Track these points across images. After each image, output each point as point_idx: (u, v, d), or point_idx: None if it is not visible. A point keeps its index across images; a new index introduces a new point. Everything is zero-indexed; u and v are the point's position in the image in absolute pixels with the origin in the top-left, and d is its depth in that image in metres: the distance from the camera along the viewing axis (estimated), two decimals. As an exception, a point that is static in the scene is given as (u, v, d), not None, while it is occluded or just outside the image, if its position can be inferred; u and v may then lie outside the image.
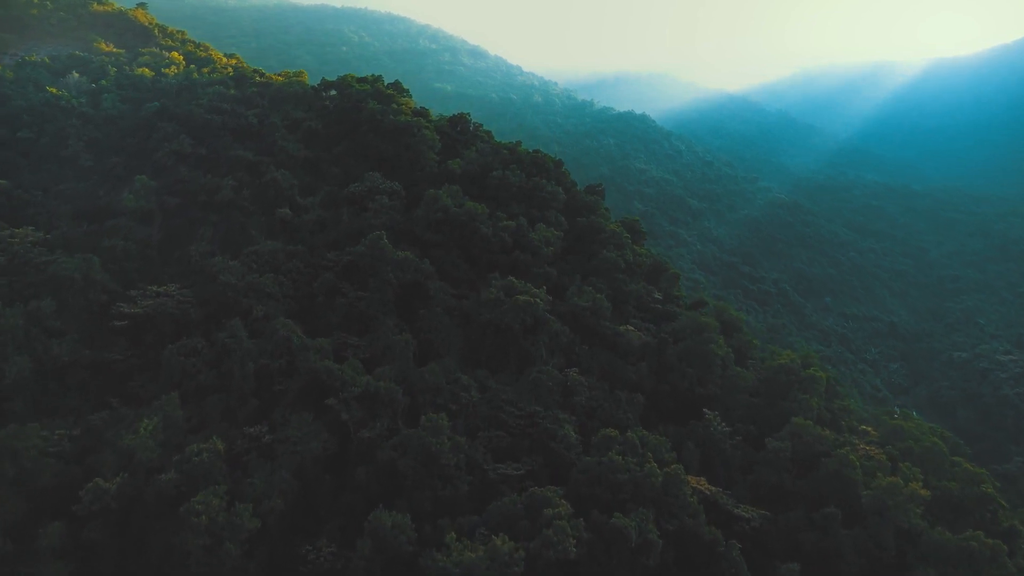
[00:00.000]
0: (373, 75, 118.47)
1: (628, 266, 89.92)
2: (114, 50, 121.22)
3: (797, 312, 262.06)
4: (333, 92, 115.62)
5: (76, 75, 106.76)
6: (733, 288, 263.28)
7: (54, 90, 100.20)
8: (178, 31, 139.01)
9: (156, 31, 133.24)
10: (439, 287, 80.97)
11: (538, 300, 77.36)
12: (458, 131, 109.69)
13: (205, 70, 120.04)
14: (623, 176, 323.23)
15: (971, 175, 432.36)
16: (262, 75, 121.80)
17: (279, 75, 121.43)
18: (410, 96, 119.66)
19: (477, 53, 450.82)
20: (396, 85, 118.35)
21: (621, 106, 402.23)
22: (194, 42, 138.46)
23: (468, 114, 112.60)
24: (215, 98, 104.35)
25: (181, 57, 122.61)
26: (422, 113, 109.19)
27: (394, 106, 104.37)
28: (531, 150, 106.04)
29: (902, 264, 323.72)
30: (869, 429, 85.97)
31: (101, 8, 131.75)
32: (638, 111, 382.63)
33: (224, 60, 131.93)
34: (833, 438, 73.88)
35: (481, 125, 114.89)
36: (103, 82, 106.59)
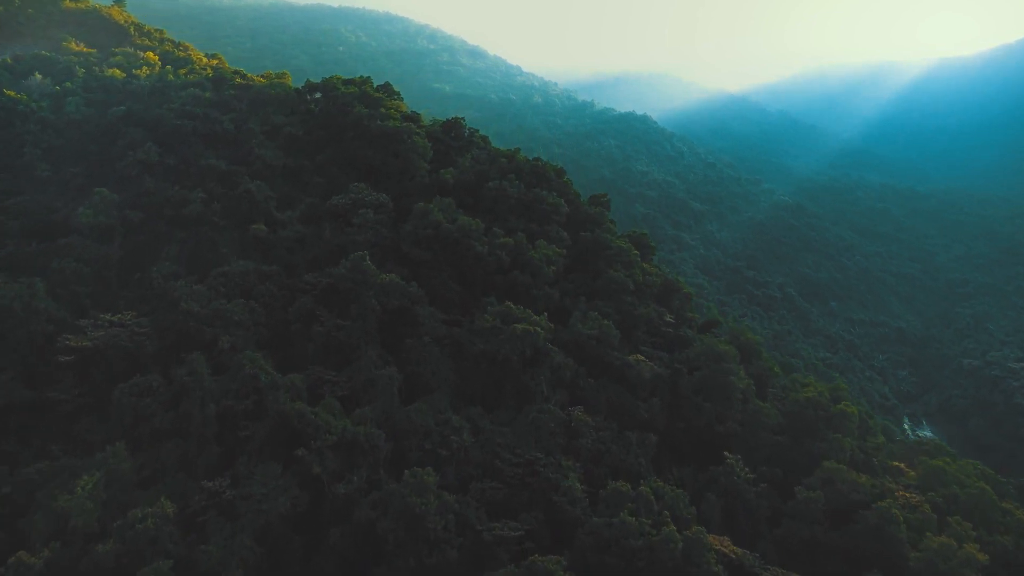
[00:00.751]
0: (361, 76, 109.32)
1: (637, 287, 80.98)
2: (84, 50, 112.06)
3: (803, 318, 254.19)
4: (318, 95, 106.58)
5: (39, 77, 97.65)
6: (737, 293, 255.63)
7: (12, 93, 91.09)
8: (156, 30, 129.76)
9: (132, 30, 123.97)
10: (428, 313, 72.05)
11: (538, 329, 68.49)
12: (452, 137, 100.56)
13: (182, 71, 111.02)
14: (624, 179, 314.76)
15: (975, 176, 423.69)
16: (243, 76, 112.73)
17: (261, 76, 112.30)
18: (401, 99, 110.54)
19: (476, 53, 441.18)
20: (386, 87, 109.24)
21: (622, 107, 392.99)
22: (173, 41, 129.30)
23: (463, 119, 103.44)
24: (188, 101, 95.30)
25: (156, 57, 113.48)
26: (413, 118, 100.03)
27: (382, 110, 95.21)
28: (531, 158, 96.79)
29: (909, 268, 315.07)
30: (904, 467, 77.18)
31: (73, 5, 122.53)
32: (639, 112, 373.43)
33: (204, 60, 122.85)
34: (870, 484, 65.08)
35: (477, 130, 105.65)
36: (68, 84, 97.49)
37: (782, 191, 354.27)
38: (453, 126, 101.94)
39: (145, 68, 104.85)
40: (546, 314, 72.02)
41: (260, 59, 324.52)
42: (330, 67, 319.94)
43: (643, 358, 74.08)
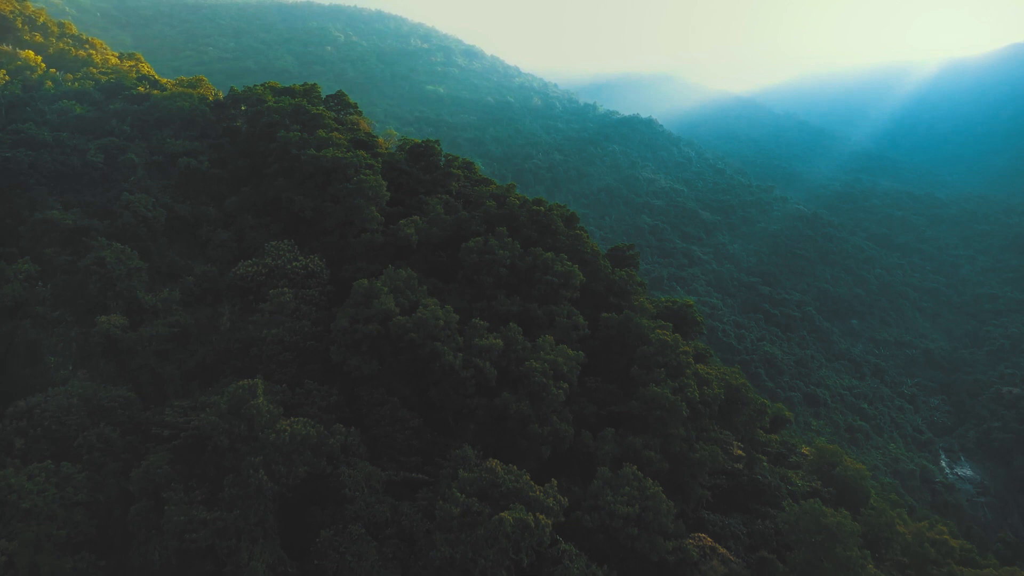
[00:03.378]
0: (305, 84, 78.94)
1: (691, 406, 51.22)
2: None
3: (824, 338, 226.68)
4: (245, 108, 76.40)
5: None
6: (753, 312, 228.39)
7: None
8: (57, 24, 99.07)
9: (20, 23, 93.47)
10: (364, 477, 42.09)
11: (543, 518, 38.72)
12: (421, 168, 70.20)
13: (70, 77, 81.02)
14: (630, 187, 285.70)
15: (991, 181, 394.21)
16: (153, 83, 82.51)
17: (173, 82, 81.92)
18: (359, 112, 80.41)
19: (472, 53, 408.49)
20: (338, 98, 78.89)
21: (624, 109, 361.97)
22: (75, 38, 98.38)
23: (437, 142, 72.70)
24: (54, 121, 65.30)
25: (39, 59, 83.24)
26: (366, 143, 69.18)
27: (321, 133, 64.85)
28: (531, 200, 65.85)
29: (932, 281, 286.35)
30: None
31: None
32: (643, 115, 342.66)
33: (113, 62, 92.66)
34: None
35: (457, 157, 75.05)
36: None
37: (795, 199, 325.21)
38: (424, 152, 71.40)
39: (3, 73, 74.38)
40: (555, 481, 42.05)
41: (242, 60, 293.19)
42: (316, 68, 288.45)
43: (709, 540, 44.26)
